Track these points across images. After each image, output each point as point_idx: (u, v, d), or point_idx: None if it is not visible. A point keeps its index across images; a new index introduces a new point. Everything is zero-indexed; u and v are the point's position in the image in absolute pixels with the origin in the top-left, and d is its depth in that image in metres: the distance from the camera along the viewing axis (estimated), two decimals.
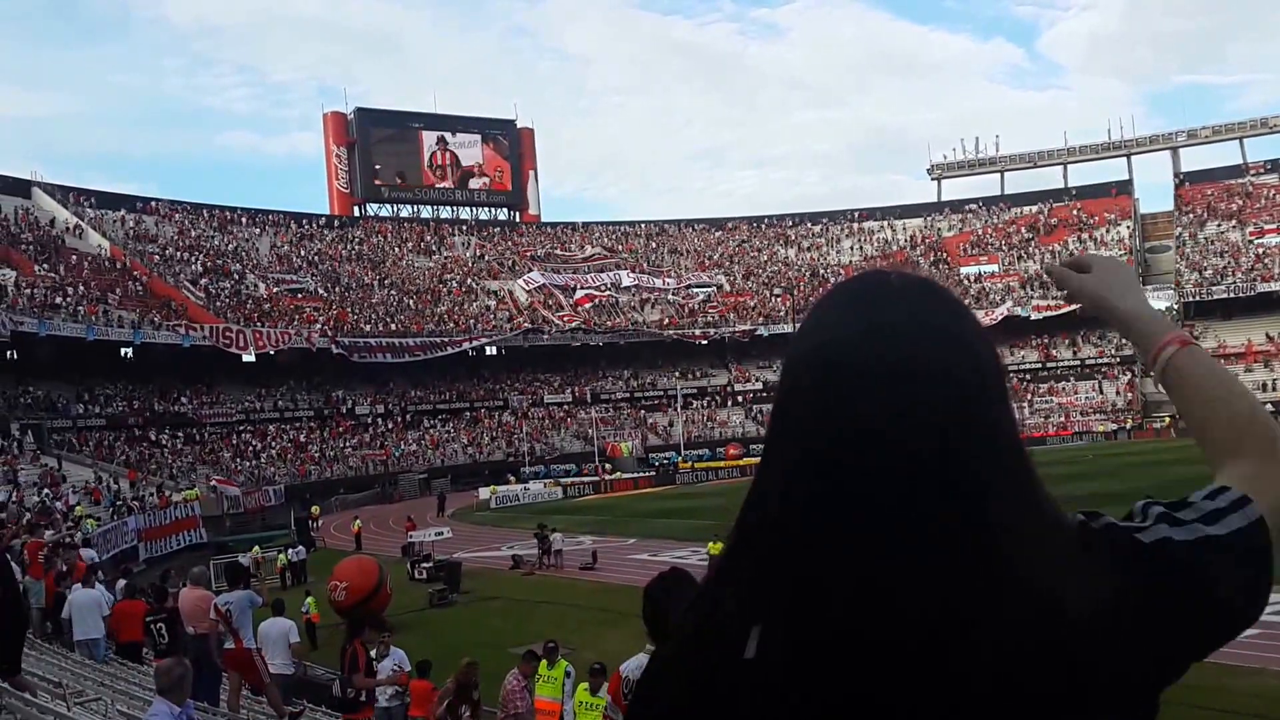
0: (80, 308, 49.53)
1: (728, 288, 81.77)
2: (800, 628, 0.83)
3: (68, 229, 59.22)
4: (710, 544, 23.10)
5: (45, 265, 53.01)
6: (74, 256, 56.20)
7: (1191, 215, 78.39)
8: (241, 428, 56.14)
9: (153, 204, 69.13)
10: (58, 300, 49.02)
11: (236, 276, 64.75)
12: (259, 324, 58.50)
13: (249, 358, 58.63)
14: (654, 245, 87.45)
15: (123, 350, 54.02)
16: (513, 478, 54.79)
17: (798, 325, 0.96)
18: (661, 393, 72.01)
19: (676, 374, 73.64)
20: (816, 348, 0.90)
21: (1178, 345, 1.11)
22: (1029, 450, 0.91)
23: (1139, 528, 0.94)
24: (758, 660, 0.84)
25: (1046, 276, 1.38)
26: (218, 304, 59.19)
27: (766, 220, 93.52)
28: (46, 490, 33.11)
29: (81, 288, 51.69)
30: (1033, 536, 0.86)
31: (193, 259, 63.93)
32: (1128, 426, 63.35)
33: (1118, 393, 69.00)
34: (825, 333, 0.90)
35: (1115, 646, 0.85)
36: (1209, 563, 0.92)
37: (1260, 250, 70.81)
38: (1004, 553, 0.83)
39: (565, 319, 73.30)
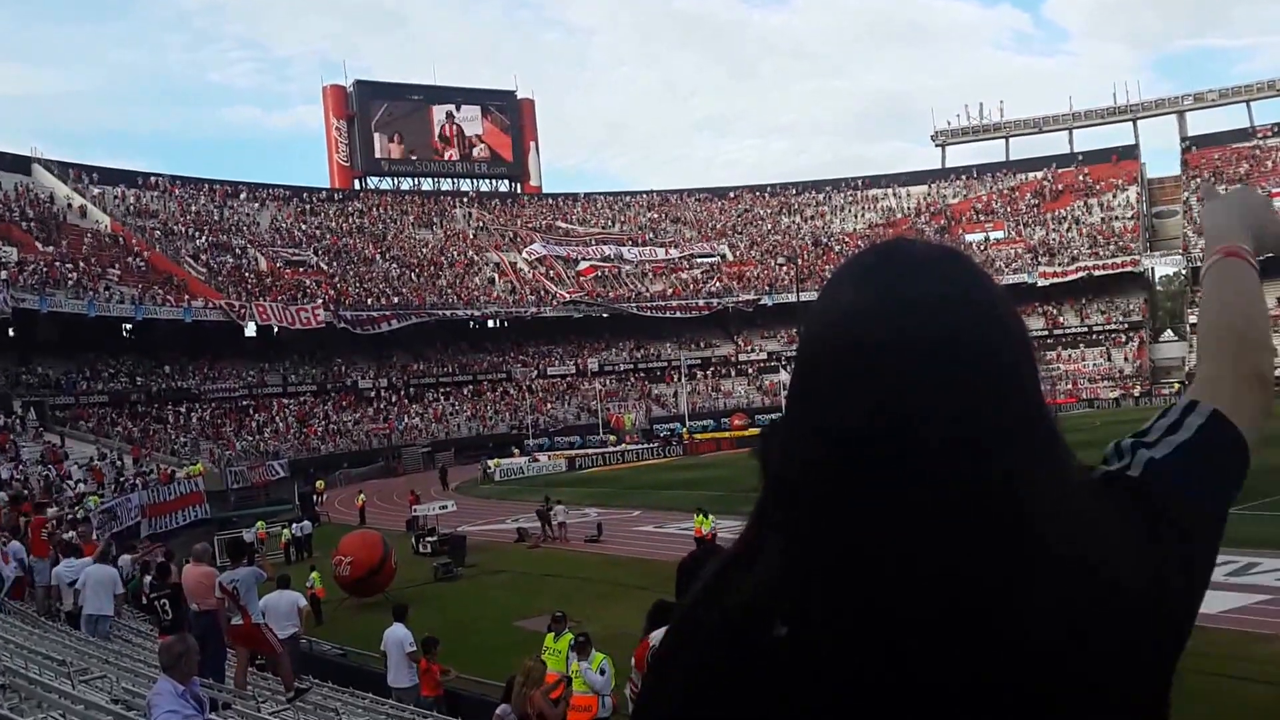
0: (82, 284, 49.39)
1: (731, 257, 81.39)
2: (837, 606, 0.81)
3: (68, 205, 58.99)
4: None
5: (46, 242, 52.81)
6: (75, 233, 55.99)
7: (1199, 179, 77.70)
8: (244, 403, 56.10)
9: (153, 179, 68.84)
10: (63, 276, 48.86)
11: (238, 251, 64.52)
12: (260, 298, 58.34)
13: (251, 332, 58.55)
14: (656, 216, 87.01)
15: (124, 326, 53.97)
16: (516, 450, 54.77)
17: (817, 296, 0.93)
18: (665, 363, 71.87)
19: (680, 345, 73.49)
20: (841, 322, 0.86)
21: (1220, 255, 1.14)
22: (1056, 415, 0.90)
23: (1125, 466, 0.97)
24: (789, 638, 0.82)
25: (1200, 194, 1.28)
26: (219, 279, 59.01)
27: (769, 189, 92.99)
28: (50, 467, 33.11)
29: (82, 264, 51.52)
30: (1064, 501, 0.85)
31: (194, 234, 63.71)
32: (1136, 393, 63.06)
33: (1126, 359, 68.76)
34: (850, 306, 0.86)
35: (1149, 595, 0.85)
36: (1189, 466, 0.96)
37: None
38: (1042, 521, 0.82)
39: (568, 291, 73.06)
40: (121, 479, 34.58)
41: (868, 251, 0.91)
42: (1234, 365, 1.05)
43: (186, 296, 54.11)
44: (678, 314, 74.04)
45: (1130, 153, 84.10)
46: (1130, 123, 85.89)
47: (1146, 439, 0.99)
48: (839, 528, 0.83)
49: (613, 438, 59.19)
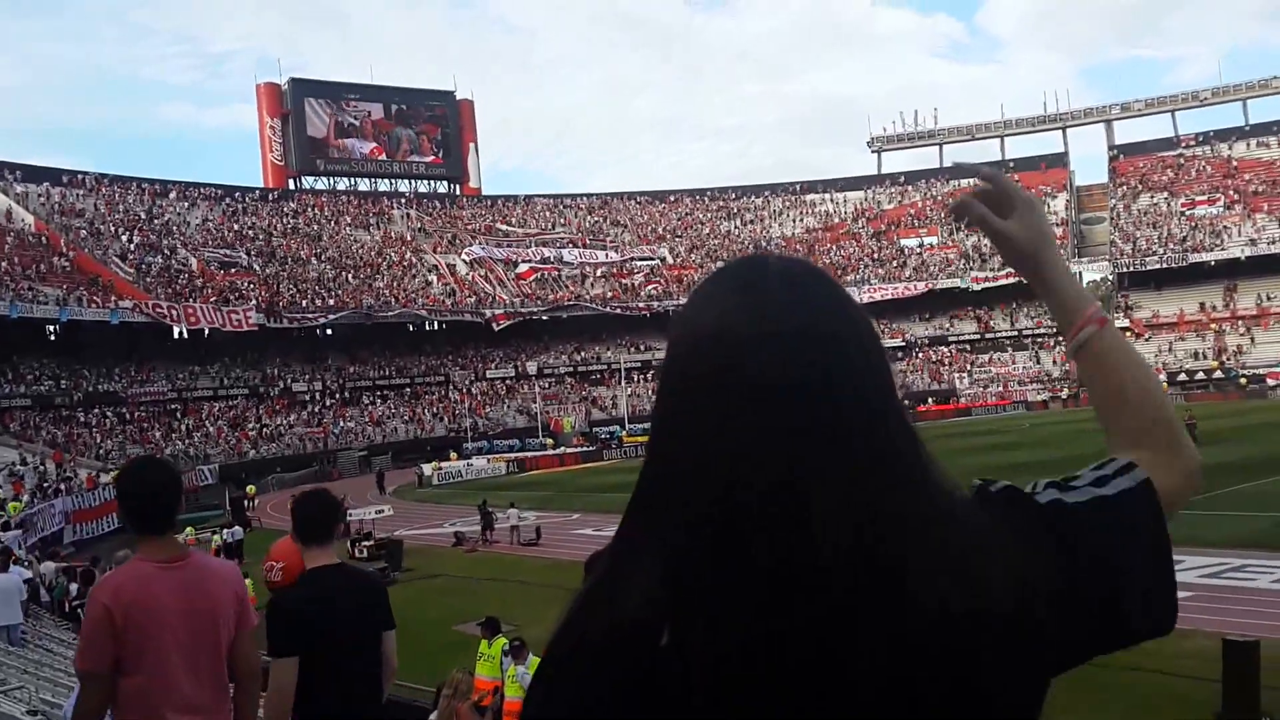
0: (4, 284, 47.85)
1: (671, 260, 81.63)
2: (710, 631, 0.80)
3: None
4: None
5: None
6: None
7: (1125, 187, 79.86)
8: (173, 406, 54.78)
9: (79, 176, 66.90)
10: None
11: (167, 252, 63.02)
12: (190, 299, 57.05)
13: (180, 334, 57.20)
14: (596, 219, 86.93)
15: (49, 328, 52.36)
16: (454, 454, 54.30)
17: (684, 308, 0.90)
18: (605, 366, 71.77)
19: (620, 347, 73.42)
20: (709, 342, 0.85)
21: (1098, 325, 1.09)
22: (919, 433, 0.89)
23: (1034, 493, 0.96)
24: (671, 648, 0.81)
25: (955, 212, 1.17)
26: (148, 280, 57.58)
27: (709, 193, 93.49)
28: None
29: (4, 264, 49.93)
30: (939, 519, 0.85)
31: (121, 234, 62.09)
32: (1063, 395, 64.48)
33: (1054, 362, 70.27)
34: (715, 325, 0.85)
35: (1025, 616, 0.85)
36: (1102, 521, 0.93)
37: (1192, 222, 72.40)
38: (919, 557, 0.82)
39: (507, 293, 72.64)
40: (44, 484, 33.53)
41: (734, 269, 0.89)
42: (1178, 454, 1.04)
43: (114, 298, 52.67)
44: (617, 316, 74.00)
45: (1059, 160, 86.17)
46: (1060, 131, 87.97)
47: (1072, 483, 0.97)
48: (716, 560, 0.81)
49: (550, 441, 58.91)
